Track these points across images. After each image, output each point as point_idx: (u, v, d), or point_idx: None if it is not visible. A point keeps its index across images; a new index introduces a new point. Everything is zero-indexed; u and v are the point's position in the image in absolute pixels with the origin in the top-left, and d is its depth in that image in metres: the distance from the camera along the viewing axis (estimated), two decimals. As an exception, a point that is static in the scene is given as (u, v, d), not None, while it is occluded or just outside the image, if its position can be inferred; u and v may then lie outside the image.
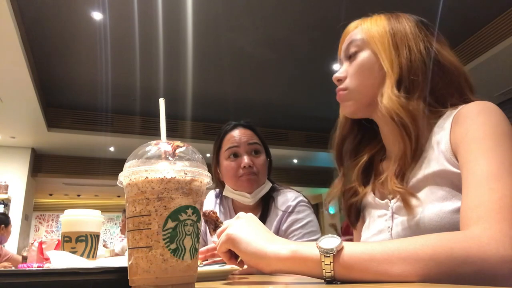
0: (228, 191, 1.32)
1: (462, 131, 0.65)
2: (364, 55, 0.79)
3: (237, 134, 1.31)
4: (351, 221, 0.89)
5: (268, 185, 1.32)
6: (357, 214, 0.88)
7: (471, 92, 0.76)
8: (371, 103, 0.78)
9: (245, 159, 1.26)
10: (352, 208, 0.87)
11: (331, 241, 0.54)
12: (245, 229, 0.62)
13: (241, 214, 0.68)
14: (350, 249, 0.53)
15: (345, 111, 0.83)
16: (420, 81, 0.73)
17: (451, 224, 0.62)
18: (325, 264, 0.52)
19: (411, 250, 0.51)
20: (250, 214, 0.68)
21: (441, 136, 0.69)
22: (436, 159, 0.68)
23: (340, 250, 0.53)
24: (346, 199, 0.87)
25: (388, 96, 0.72)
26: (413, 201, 0.68)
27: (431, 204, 0.66)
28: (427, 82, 0.74)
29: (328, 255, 0.52)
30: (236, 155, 1.28)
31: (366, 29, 0.80)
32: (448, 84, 0.75)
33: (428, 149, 0.71)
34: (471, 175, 0.60)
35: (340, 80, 0.82)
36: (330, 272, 0.52)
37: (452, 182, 0.65)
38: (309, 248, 0.55)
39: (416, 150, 0.71)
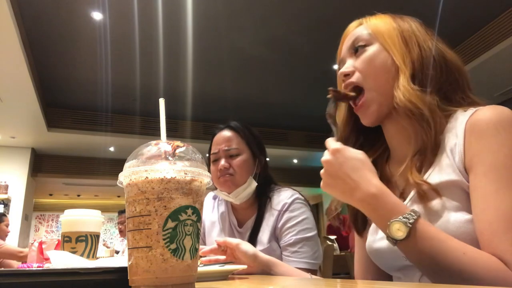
0: (218, 192, 1.38)
1: (479, 149, 0.63)
2: (373, 48, 0.76)
3: (219, 139, 1.37)
4: (357, 228, 0.86)
5: (253, 184, 1.32)
6: (364, 220, 0.84)
7: (469, 90, 0.76)
8: (390, 105, 0.74)
9: (222, 161, 1.33)
10: (359, 214, 0.84)
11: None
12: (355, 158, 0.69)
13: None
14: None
15: (367, 120, 0.78)
16: (433, 76, 0.72)
17: (468, 234, 0.61)
18: (408, 222, 0.58)
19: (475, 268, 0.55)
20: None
21: (455, 143, 0.67)
22: (451, 167, 0.66)
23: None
24: (352, 206, 0.85)
25: (406, 89, 0.70)
26: (433, 197, 0.66)
27: (446, 212, 0.64)
28: (438, 77, 0.73)
29: (414, 217, 0.59)
30: (216, 160, 1.36)
31: (372, 25, 0.78)
32: (453, 82, 0.75)
33: (442, 152, 0.69)
34: (493, 209, 0.58)
35: (348, 75, 0.78)
36: (408, 227, 0.58)
37: (467, 194, 0.64)
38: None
39: (435, 144, 0.69)
